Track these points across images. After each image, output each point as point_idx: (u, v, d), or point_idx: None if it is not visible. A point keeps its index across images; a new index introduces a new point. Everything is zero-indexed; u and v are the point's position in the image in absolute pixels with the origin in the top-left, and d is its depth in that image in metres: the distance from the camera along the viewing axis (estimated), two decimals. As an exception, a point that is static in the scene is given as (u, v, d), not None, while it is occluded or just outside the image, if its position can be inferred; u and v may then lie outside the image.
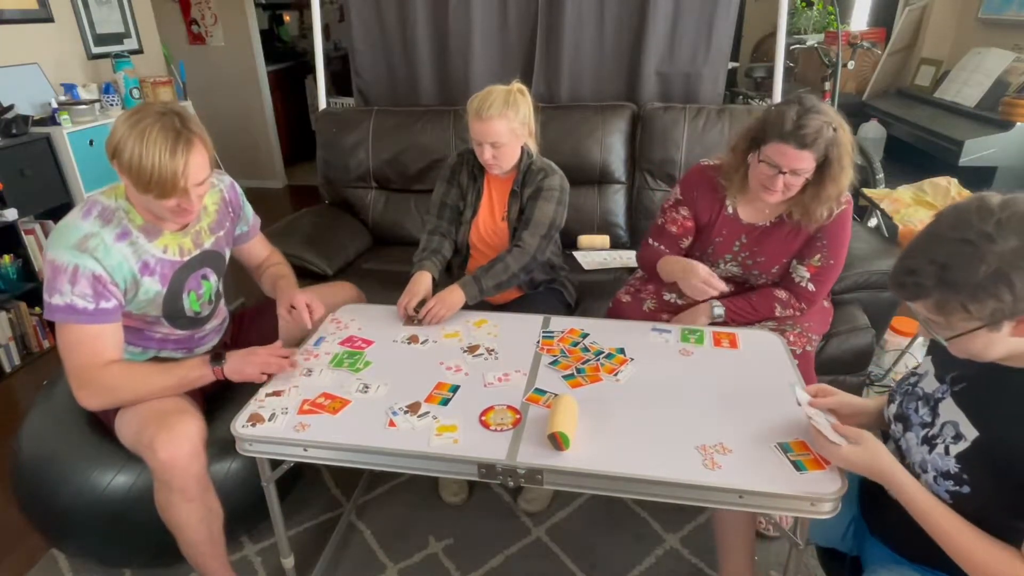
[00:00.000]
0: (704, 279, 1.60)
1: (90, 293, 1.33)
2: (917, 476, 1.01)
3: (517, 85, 1.79)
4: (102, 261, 1.34)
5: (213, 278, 1.62)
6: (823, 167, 1.52)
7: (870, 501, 1.17)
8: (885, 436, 1.16)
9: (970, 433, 0.95)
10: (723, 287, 1.62)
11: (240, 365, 1.42)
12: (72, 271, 1.31)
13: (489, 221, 1.94)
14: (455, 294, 1.72)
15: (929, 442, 1.01)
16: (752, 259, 1.73)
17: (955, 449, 0.96)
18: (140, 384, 1.40)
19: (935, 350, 1.10)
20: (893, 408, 1.13)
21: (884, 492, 1.07)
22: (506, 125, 1.74)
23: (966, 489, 0.95)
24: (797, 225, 1.65)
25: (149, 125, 1.27)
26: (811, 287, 1.67)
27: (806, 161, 1.50)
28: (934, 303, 0.89)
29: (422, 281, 1.76)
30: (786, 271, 1.72)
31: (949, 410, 1.01)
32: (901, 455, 1.08)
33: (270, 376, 1.44)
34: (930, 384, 1.07)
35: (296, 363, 1.48)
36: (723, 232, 1.74)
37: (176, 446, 1.33)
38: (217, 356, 1.43)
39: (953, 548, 0.93)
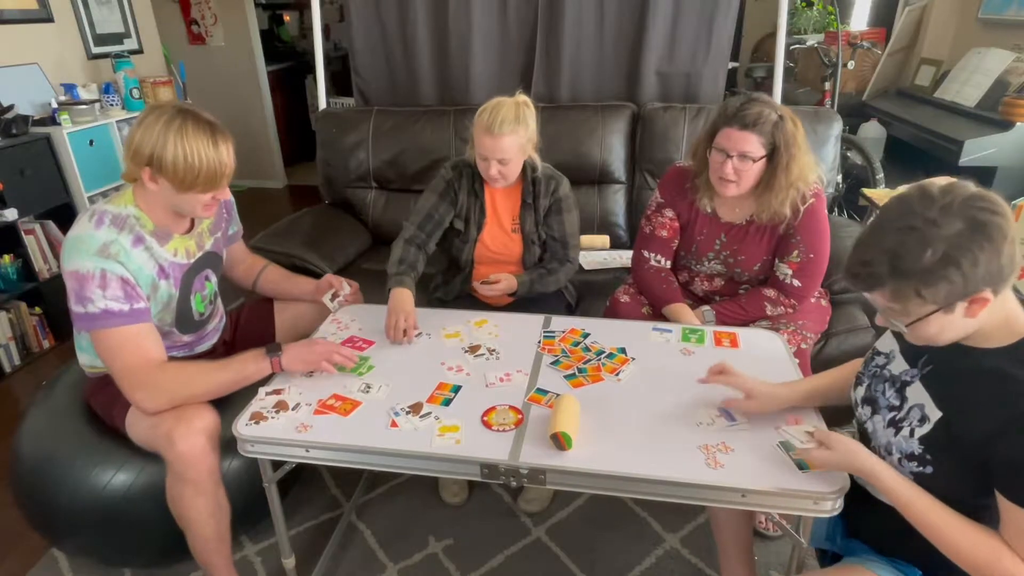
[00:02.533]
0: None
1: (122, 295, 1.33)
2: (882, 459, 1.04)
3: (523, 97, 1.75)
4: (126, 265, 1.35)
5: (214, 278, 1.64)
6: (773, 156, 1.57)
7: (848, 504, 1.18)
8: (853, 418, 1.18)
9: (934, 415, 0.98)
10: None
11: (303, 354, 1.41)
12: (100, 276, 1.31)
13: (499, 233, 1.92)
14: (511, 281, 1.80)
15: (895, 425, 1.04)
16: (733, 257, 1.76)
17: (920, 431, 0.99)
18: (197, 382, 1.38)
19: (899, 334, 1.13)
20: (861, 391, 1.15)
21: (862, 496, 1.09)
22: (516, 142, 1.72)
23: (929, 469, 0.98)
24: (769, 223, 1.69)
25: (181, 124, 1.31)
26: (796, 283, 1.69)
27: (751, 143, 1.55)
28: (890, 292, 0.92)
29: (407, 299, 1.67)
30: (770, 270, 1.75)
31: (917, 393, 1.03)
32: (867, 438, 1.10)
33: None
34: (899, 366, 1.09)
35: (355, 359, 1.48)
36: (704, 231, 1.78)
37: (193, 438, 1.34)
38: (272, 348, 1.42)
39: (937, 537, 0.95)
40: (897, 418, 1.04)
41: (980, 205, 0.87)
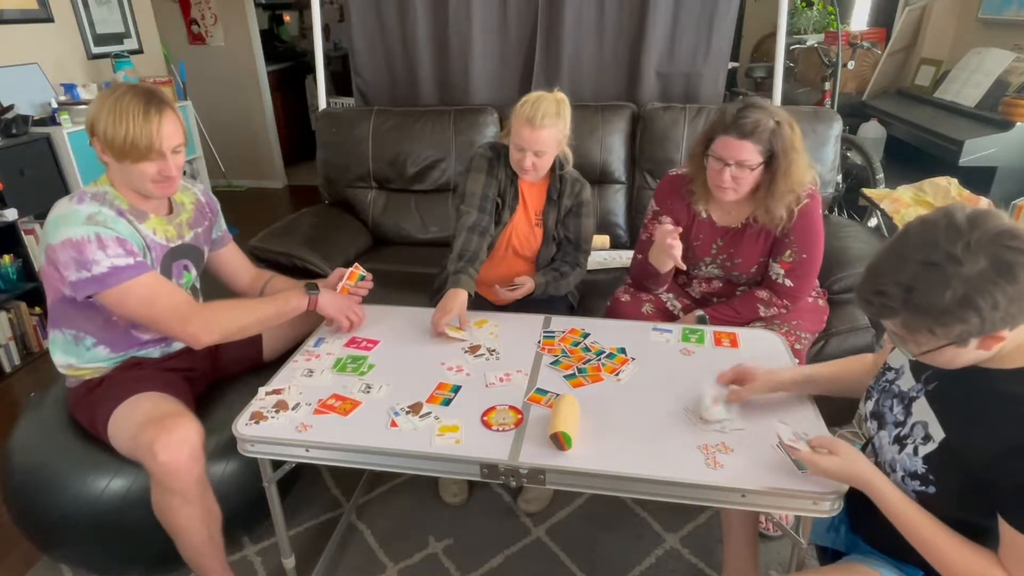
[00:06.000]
0: (666, 233, 1.60)
1: (123, 252, 1.35)
2: (887, 475, 1.02)
3: (560, 94, 1.75)
4: (115, 230, 1.36)
5: (193, 271, 1.63)
6: (771, 163, 1.56)
7: (852, 499, 1.18)
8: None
9: (938, 434, 0.96)
10: (676, 242, 1.59)
11: (336, 301, 1.60)
12: (96, 239, 1.33)
13: (525, 226, 1.91)
14: (530, 284, 1.84)
15: (900, 442, 1.02)
16: (730, 260, 1.76)
17: (923, 450, 0.97)
18: (243, 314, 1.49)
19: None
20: (870, 405, 1.13)
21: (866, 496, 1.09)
22: (555, 136, 1.72)
23: (932, 489, 0.96)
24: (764, 226, 1.69)
25: (121, 95, 1.34)
26: (788, 283, 1.69)
27: (748, 151, 1.54)
28: (901, 322, 0.89)
29: (458, 299, 1.63)
30: (766, 271, 1.75)
31: (921, 410, 1.01)
32: (874, 452, 1.09)
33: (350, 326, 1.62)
34: (907, 382, 1.07)
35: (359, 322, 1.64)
36: (700, 236, 1.78)
37: (176, 448, 1.32)
38: (311, 286, 1.57)
39: (932, 554, 0.93)
40: (902, 434, 1.02)
41: (1008, 244, 0.81)
